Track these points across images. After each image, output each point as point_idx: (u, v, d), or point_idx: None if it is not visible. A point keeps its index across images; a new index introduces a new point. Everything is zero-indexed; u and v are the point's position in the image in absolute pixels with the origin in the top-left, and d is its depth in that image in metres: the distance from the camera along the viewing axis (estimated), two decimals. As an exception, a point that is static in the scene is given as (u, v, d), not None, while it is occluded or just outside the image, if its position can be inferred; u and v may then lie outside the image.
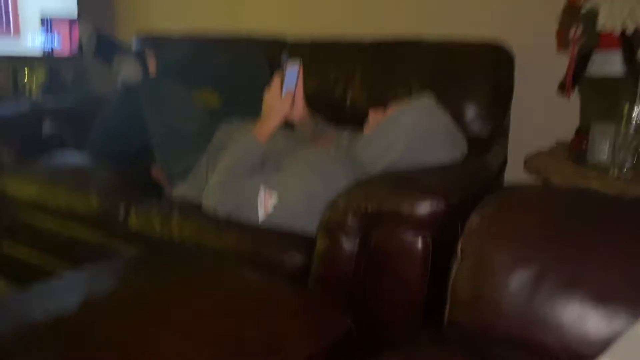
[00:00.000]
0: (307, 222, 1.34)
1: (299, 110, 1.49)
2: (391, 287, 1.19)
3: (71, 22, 2.67)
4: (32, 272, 1.92)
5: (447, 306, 0.92)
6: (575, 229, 0.89)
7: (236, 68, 1.87)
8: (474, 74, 1.71)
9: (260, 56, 1.97)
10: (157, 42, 2.32)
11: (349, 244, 1.21)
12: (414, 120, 1.38)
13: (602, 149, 1.35)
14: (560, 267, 0.84)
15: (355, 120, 1.78)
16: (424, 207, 1.14)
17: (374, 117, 1.46)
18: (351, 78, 1.91)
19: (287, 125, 1.52)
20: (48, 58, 2.77)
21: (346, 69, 1.94)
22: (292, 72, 1.44)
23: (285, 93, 1.43)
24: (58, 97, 2.43)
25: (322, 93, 1.96)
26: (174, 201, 1.64)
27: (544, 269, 0.84)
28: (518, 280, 0.85)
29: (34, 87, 2.71)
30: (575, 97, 1.52)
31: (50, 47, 2.68)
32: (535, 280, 0.84)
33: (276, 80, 1.47)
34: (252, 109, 1.67)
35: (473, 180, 1.36)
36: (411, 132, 1.37)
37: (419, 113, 1.40)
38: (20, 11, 2.63)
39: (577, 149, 1.44)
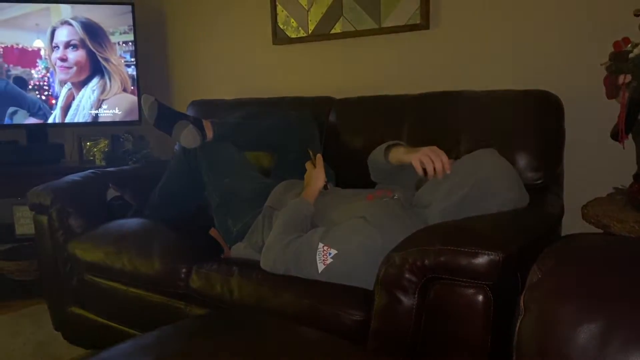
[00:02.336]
0: (366, 276, 1.34)
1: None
2: (453, 343, 1.18)
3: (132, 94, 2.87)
4: (97, 332, 1.99)
5: (513, 362, 0.91)
6: (642, 279, 0.87)
7: (287, 129, 1.95)
8: (524, 123, 1.72)
9: (309, 117, 2.04)
10: (211, 108, 2.44)
11: (407, 299, 1.21)
12: (477, 166, 1.41)
13: (662, 195, 1.32)
14: (630, 320, 0.82)
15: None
16: (482, 259, 1.13)
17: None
18: (399, 132, 1.94)
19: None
20: (110, 127, 2.96)
21: (393, 123, 1.98)
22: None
23: (317, 168, 1.71)
24: (120, 164, 2.57)
25: (370, 147, 2.00)
26: (232, 260, 1.69)
27: (614, 322, 0.82)
28: (586, 333, 0.83)
29: (97, 155, 2.88)
30: (629, 143, 1.50)
31: (112, 116, 2.87)
32: (605, 334, 0.81)
33: (309, 165, 1.73)
34: (303, 167, 1.74)
35: (531, 229, 1.34)
36: (473, 176, 1.38)
37: (481, 160, 1.43)
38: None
39: (636, 195, 1.41)
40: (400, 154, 1.58)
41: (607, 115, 1.55)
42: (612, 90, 1.49)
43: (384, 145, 1.68)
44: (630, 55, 1.42)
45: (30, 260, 2.64)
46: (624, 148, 1.49)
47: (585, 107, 1.80)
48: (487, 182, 1.38)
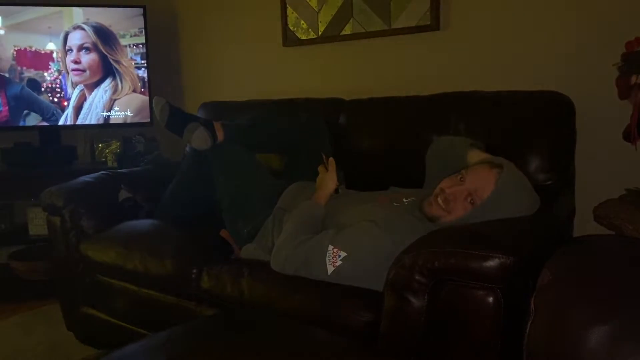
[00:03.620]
0: (375, 278, 1.34)
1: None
2: (463, 345, 1.17)
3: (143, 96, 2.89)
4: (109, 332, 2.01)
5: (524, 364, 0.90)
6: (654, 281, 0.86)
7: (297, 131, 1.95)
8: (535, 124, 1.71)
9: (319, 119, 2.05)
10: (222, 110, 2.45)
11: (417, 302, 1.20)
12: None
13: (675, 196, 1.31)
14: (641, 323, 0.81)
15: (417, 174, 1.81)
16: (493, 262, 1.12)
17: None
18: (409, 133, 1.94)
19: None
20: (122, 129, 2.98)
21: (404, 124, 1.98)
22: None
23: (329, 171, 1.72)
24: (132, 165, 2.59)
25: (380, 149, 2.00)
26: (242, 261, 1.70)
27: (625, 325, 0.81)
28: (597, 336, 0.82)
29: (109, 156, 2.90)
30: (642, 144, 1.49)
31: (124, 118, 2.90)
32: (616, 336, 0.81)
33: (321, 168, 1.74)
34: (313, 169, 1.75)
35: (542, 232, 1.34)
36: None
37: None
38: (97, 87, 2.86)
39: (648, 196, 1.40)
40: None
41: (619, 116, 1.54)
42: (624, 91, 1.48)
43: (468, 141, 1.67)
44: (642, 56, 1.41)
45: (43, 260, 2.66)
46: (636, 149, 1.48)
47: (597, 108, 1.79)
48: (498, 199, 1.38)
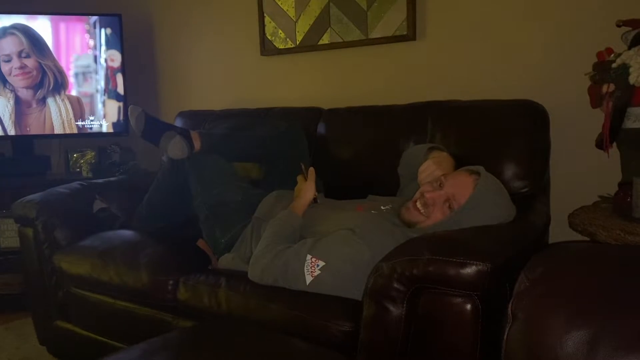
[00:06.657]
0: (354, 287, 1.34)
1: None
2: (442, 352, 1.17)
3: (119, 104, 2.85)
4: (83, 346, 1.96)
5: (502, 371, 0.91)
6: (630, 286, 0.87)
7: (275, 140, 1.94)
8: (510, 133, 1.73)
9: (298, 127, 2.04)
10: (199, 119, 2.44)
11: (396, 310, 1.20)
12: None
13: (646, 203, 1.33)
14: (618, 327, 0.82)
15: (395, 182, 1.82)
16: (470, 269, 1.13)
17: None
18: (387, 141, 1.95)
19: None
20: (98, 138, 2.94)
21: (381, 133, 1.98)
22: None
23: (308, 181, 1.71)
24: (107, 175, 2.55)
25: (358, 157, 2.01)
26: (220, 272, 1.68)
27: (601, 329, 0.82)
28: (574, 341, 0.83)
29: (84, 167, 2.86)
30: (614, 151, 1.52)
31: (99, 128, 2.85)
32: (592, 342, 0.82)
33: (300, 178, 1.73)
34: (291, 178, 1.74)
35: (519, 239, 1.35)
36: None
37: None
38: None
39: (622, 203, 1.42)
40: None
41: (592, 124, 1.56)
42: (597, 100, 1.51)
43: (427, 146, 1.68)
44: (613, 65, 1.44)
45: (15, 273, 2.60)
46: (608, 157, 1.51)
47: (570, 117, 1.82)
48: (475, 204, 1.40)
